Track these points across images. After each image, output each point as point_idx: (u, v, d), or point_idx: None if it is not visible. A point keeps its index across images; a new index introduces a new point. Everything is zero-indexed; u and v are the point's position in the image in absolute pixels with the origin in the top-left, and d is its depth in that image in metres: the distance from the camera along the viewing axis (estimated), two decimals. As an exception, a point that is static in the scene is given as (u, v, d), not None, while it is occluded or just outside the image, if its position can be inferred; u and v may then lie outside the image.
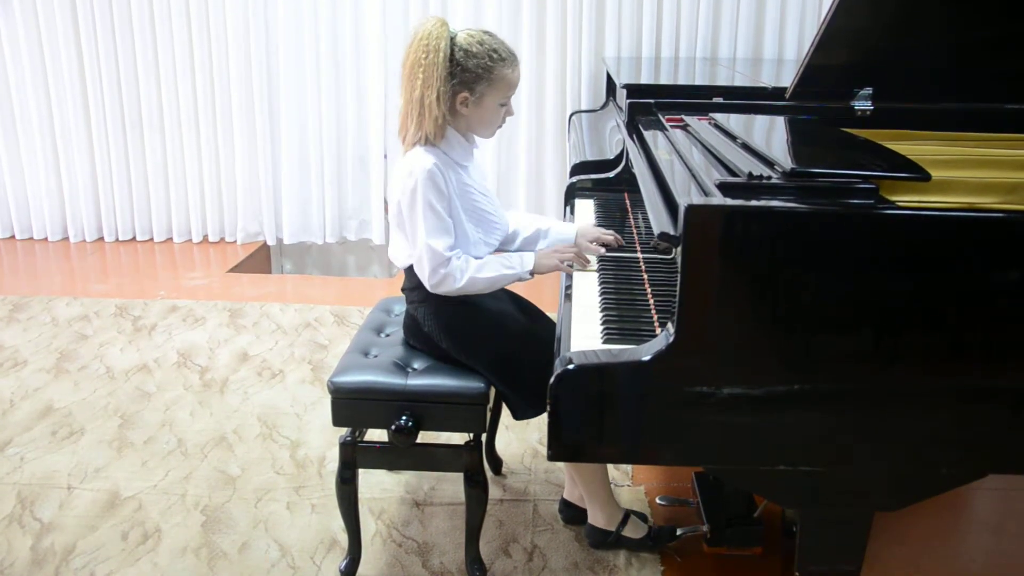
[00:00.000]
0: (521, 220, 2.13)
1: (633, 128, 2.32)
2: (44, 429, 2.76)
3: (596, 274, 1.96)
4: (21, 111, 4.59)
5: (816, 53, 1.93)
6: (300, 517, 2.31)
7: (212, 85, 4.47)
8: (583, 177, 2.57)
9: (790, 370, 1.39)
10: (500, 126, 1.95)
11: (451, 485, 2.41)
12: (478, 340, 1.94)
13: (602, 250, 2.03)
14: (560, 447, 1.47)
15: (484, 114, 1.89)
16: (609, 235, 2.04)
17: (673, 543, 2.13)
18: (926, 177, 1.42)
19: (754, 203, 1.37)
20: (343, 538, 2.10)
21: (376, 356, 2.05)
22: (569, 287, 1.91)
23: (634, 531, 2.11)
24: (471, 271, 1.87)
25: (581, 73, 4.25)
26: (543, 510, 2.32)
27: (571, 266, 1.96)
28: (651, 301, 1.78)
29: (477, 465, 1.94)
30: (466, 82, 1.83)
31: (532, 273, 1.94)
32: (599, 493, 2.10)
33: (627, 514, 2.12)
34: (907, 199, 1.39)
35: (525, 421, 1.92)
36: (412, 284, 1.99)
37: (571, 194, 2.55)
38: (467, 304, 1.95)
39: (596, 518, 2.12)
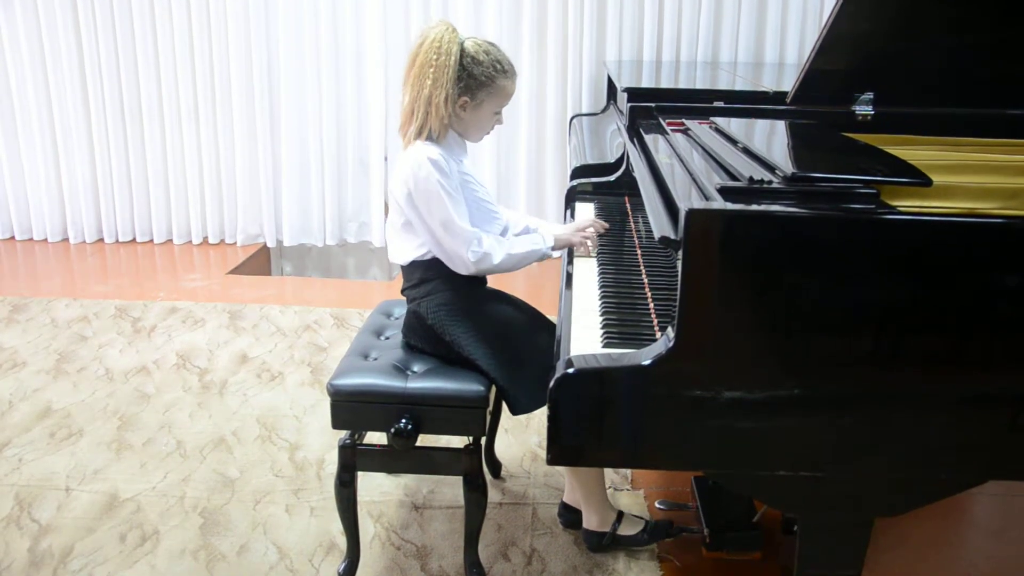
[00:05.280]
0: (511, 216, 2.21)
1: (634, 132, 2.32)
2: (43, 430, 2.75)
3: (596, 277, 1.96)
4: (22, 113, 4.59)
5: (817, 57, 1.93)
6: (299, 520, 2.30)
7: (213, 87, 4.48)
8: (584, 180, 2.57)
9: (790, 375, 1.39)
10: (488, 133, 2.05)
11: (450, 488, 2.40)
12: (481, 330, 1.97)
13: (604, 225, 2.17)
14: (559, 451, 1.46)
15: (479, 120, 1.98)
16: (594, 225, 2.17)
17: (670, 539, 2.12)
18: (927, 182, 1.42)
19: (755, 207, 1.37)
20: (342, 541, 2.10)
21: (376, 359, 2.05)
22: (570, 275, 1.96)
23: (629, 528, 2.12)
24: (506, 247, 1.96)
25: (582, 76, 4.25)
26: (542, 513, 2.31)
27: (588, 242, 2.08)
28: (651, 305, 1.78)
29: (476, 468, 1.94)
30: (470, 88, 1.93)
31: (553, 249, 2.04)
32: (594, 495, 2.10)
33: (620, 513, 2.13)
34: (908, 204, 1.39)
35: (524, 424, 1.92)
36: (413, 281, 2.02)
37: (571, 197, 2.55)
38: (471, 297, 2.00)
39: (590, 521, 2.12)
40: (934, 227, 1.34)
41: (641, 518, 2.16)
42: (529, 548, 2.18)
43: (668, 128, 2.15)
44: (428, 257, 1.98)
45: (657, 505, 2.23)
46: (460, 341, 1.96)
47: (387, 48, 4.30)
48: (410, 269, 2.02)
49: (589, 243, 2.11)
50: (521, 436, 2.69)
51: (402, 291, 2.08)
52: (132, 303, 3.85)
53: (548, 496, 2.39)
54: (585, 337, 1.64)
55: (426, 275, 1.99)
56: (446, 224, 1.89)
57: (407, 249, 2.00)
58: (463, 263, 1.93)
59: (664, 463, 1.62)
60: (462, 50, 1.90)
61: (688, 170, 1.70)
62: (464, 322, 1.97)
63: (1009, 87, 2.03)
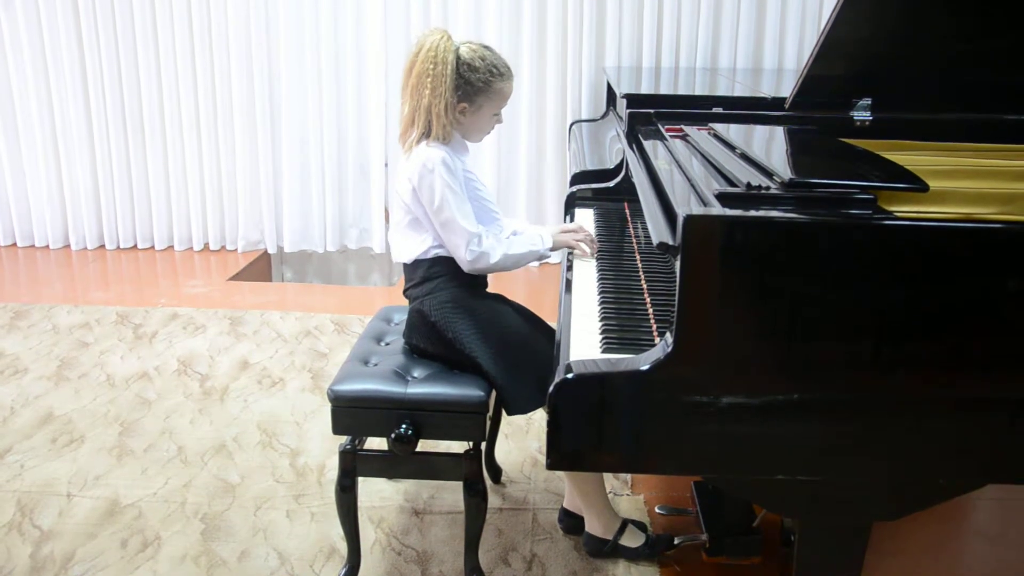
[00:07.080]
0: (508, 223, 2.23)
1: (633, 138, 2.33)
2: (44, 436, 2.76)
3: (596, 283, 1.97)
4: (23, 119, 4.60)
5: (815, 63, 1.94)
6: (299, 525, 2.31)
7: (214, 93, 4.49)
8: (583, 186, 2.59)
9: (789, 380, 1.40)
10: (488, 133, 2.09)
11: (450, 494, 2.41)
12: (482, 328, 1.98)
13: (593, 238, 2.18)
14: (559, 456, 1.47)
15: (479, 122, 2.02)
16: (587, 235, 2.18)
17: (671, 551, 2.13)
18: (924, 187, 1.43)
19: (753, 213, 1.37)
20: (342, 546, 2.10)
21: (376, 364, 2.05)
22: (569, 280, 1.97)
23: (631, 540, 2.12)
24: (503, 248, 1.99)
25: (582, 83, 4.27)
26: (542, 519, 2.32)
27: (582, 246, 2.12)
28: (650, 310, 1.78)
29: (476, 474, 1.94)
30: (468, 94, 1.96)
31: (552, 250, 2.08)
32: (595, 501, 2.11)
33: (625, 522, 2.12)
34: (905, 209, 1.39)
35: (524, 430, 1.93)
36: (415, 280, 2.05)
37: (571, 203, 2.57)
38: (474, 296, 2.03)
39: (593, 526, 2.12)
40: (931, 232, 1.34)
41: (644, 532, 2.16)
42: (529, 553, 2.18)
43: (667, 134, 2.16)
44: (431, 255, 2.01)
45: (657, 510, 2.23)
46: (462, 338, 1.97)
47: (387, 55, 4.31)
48: (412, 268, 2.04)
49: (584, 245, 2.14)
50: (521, 441, 2.69)
51: (404, 292, 2.09)
52: (133, 309, 3.86)
53: (548, 501, 2.39)
54: (584, 342, 1.64)
55: (429, 273, 2.01)
56: (448, 222, 1.93)
57: (410, 247, 2.02)
58: (460, 261, 1.97)
59: (663, 468, 1.62)
60: (458, 57, 1.92)
61: (687, 176, 1.71)
62: (466, 319, 1.98)
63: (1005, 93, 2.04)
